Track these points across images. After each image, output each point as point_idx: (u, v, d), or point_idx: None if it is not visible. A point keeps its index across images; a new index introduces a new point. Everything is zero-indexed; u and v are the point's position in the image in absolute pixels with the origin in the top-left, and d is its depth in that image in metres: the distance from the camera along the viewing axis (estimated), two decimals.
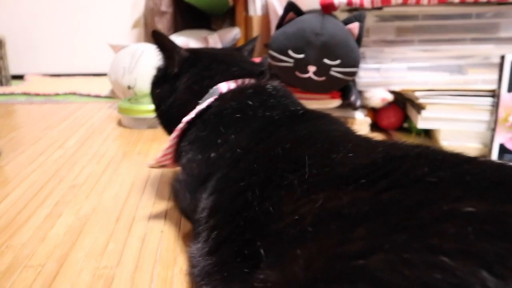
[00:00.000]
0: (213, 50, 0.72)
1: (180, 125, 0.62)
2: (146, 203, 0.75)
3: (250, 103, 0.58)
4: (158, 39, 0.67)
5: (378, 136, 1.12)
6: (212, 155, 0.56)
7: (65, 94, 1.73)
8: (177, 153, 0.65)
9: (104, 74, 1.44)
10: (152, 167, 0.69)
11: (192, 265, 0.50)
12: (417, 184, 0.34)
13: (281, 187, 0.42)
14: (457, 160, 0.40)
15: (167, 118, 0.71)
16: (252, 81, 0.65)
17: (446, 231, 0.28)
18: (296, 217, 0.37)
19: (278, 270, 0.34)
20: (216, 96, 0.61)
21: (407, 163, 0.38)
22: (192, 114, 0.61)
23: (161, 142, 1.06)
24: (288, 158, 0.47)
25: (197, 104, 0.63)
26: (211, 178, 0.54)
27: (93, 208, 0.74)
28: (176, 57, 0.67)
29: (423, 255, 0.27)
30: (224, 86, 0.63)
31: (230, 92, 0.61)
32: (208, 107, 0.61)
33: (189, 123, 0.62)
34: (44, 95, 1.71)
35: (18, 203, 0.76)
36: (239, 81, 0.64)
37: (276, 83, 0.64)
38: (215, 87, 0.63)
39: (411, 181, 0.35)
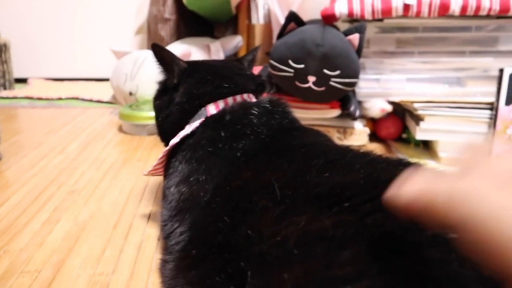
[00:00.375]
0: (212, 62, 0.73)
1: (167, 148, 0.64)
2: (144, 210, 0.76)
3: (223, 134, 0.59)
4: (158, 52, 0.68)
5: (377, 147, 1.12)
6: (184, 190, 0.57)
7: (68, 98, 1.74)
8: (165, 169, 0.67)
9: (107, 79, 1.45)
10: (148, 175, 0.70)
11: (164, 285, 0.52)
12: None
13: (255, 211, 0.43)
14: None
15: (162, 130, 0.74)
16: (243, 99, 0.65)
17: (432, 257, 0.29)
18: (278, 238, 0.38)
19: None
20: (203, 119, 0.63)
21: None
22: (177, 139, 0.63)
23: (160, 149, 1.06)
24: (257, 184, 0.47)
25: (187, 123, 0.65)
26: (184, 215, 0.55)
27: (91, 214, 0.74)
28: (175, 68, 0.68)
29: (410, 281, 0.28)
30: (212, 108, 0.64)
31: (211, 118, 0.62)
32: (193, 132, 0.62)
33: (179, 142, 0.63)
34: (47, 99, 1.72)
35: (18, 208, 0.77)
36: (229, 100, 0.65)
37: (269, 98, 0.65)
38: (203, 109, 0.64)
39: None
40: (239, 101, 0.65)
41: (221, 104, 0.64)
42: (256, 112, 0.61)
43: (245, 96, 0.66)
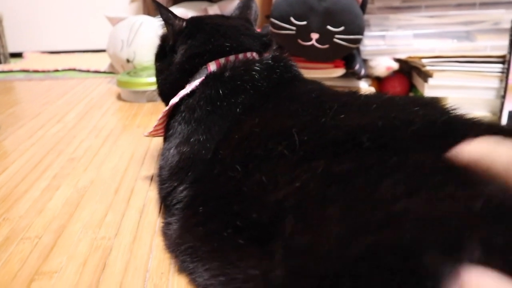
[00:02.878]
0: (217, 21, 0.68)
1: (167, 108, 0.62)
2: (145, 174, 0.74)
3: (221, 92, 0.56)
4: (157, 8, 0.64)
5: None
6: (185, 150, 0.55)
7: (64, 70, 1.70)
8: (166, 130, 0.64)
9: (103, 50, 1.41)
10: (149, 136, 0.67)
11: (170, 243, 0.51)
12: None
13: (270, 158, 0.40)
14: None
15: (162, 91, 0.71)
16: (246, 57, 0.62)
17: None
18: (297, 184, 0.35)
19: (308, 233, 0.31)
20: (203, 78, 0.60)
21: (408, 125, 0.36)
22: (176, 99, 0.60)
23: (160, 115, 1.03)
24: (269, 130, 0.45)
25: (187, 82, 0.62)
26: (186, 173, 0.53)
27: (91, 181, 0.72)
28: (169, 29, 0.65)
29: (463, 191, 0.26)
30: (213, 66, 0.61)
31: (211, 75, 0.60)
32: (192, 91, 0.59)
33: (178, 102, 0.61)
34: (43, 71, 1.68)
35: (16, 176, 0.75)
36: (231, 58, 0.61)
37: (272, 55, 0.62)
38: (204, 67, 0.61)
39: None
40: (242, 59, 0.61)
41: (222, 61, 0.61)
42: (258, 69, 0.58)
43: (249, 54, 0.63)
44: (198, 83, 0.59)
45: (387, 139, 0.35)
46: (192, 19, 0.68)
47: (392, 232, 0.26)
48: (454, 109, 0.42)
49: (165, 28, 0.67)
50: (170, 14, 0.65)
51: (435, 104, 0.43)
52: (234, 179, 0.43)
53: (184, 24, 0.66)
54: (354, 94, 0.50)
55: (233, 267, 0.38)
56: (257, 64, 0.59)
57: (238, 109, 0.54)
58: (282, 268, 0.31)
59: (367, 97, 0.46)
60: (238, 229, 0.39)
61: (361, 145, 0.35)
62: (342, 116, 0.40)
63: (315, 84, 0.59)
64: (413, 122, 0.36)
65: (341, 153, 0.35)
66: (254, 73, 0.58)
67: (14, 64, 1.83)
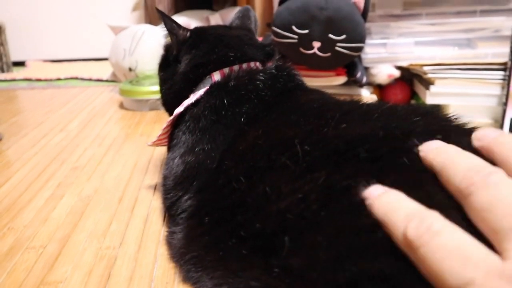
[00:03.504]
0: (221, 32, 0.69)
1: (171, 117, 0.62)
2: (149, 183, 0.74)
3: (225, 101, 0.57)
4: (161, 17, 0.65)
5: None
6: (190, 159, 0.55)
7: (67, 78, 1.71)
8: (169, 140, 0.65)
9: (106, 59, 1.42)
10: (152, 145, 0.68)
11: (175, 252, 0.51)
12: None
13: (273, 169, 0.41)
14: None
15: (166, 101, 0.71)
16: (249, 66, 0.62)
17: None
18: (300, 195, 0.35)
19: (301, 255, 0.33)
20: (207, 87, 0.60)
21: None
22: (180, 108, 0.61)
23: (163, 124, 1.03)
24: (272, 141, 0.45)
25: (191, 91, 0.62)
26: (190, 183, 0.53)
27: (95, 190, 0.72)
28: (174, 38, 0.65)
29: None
30: (217, 75, 0.61)
31: (216, 85, 0.60)
32: (197, 101, 0.60)
33: (183, 111, 0.61)
34: (46, 80, 1.69)
35: (20, 186, 0.75)
36: (235, 68, 0.62)
37: (275, 64, 0.62)
38: (208, 77, 0.62)
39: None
40: (245, 68, 0.62)
41: (226, 71, 0.61)
42: (262, 78, 0.59)
43: (252, 64, 0.63)
44: (202, 93, 0.60)
45: (385, 150, 0.35)
46: (196, 29, 0.69)
47: (377, 261, 0.27)
48: (456, 118, 0.42)
49: (169, 38, 0.67)
50: (174, 24, 0.65)
51: (436, 113, 0.44)
52: (239, 190, 0.43)
53: (188, 34, 0.66)
54: (356, 103, 0.50)
55: (235, 277, 0.39)
56: (261, 74, 0.59)
57: (242, 119, 0.54)
58: (280, 286, 0.33)
59: (369, 106, 0.46)
60: (242, 239, 0.39)
61: (359, 156, 0.35)
62: (344, 125, 0.40)
63: (318, 94, 0.59)
64: (413, 132, 0.36)
65: (341, 164, 0.35)
66: (258, 82, 0.58)
67: (17, 73, 1.84)
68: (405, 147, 0.34)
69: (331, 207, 0.32)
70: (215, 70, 0.62)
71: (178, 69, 0.66)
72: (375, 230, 0.28)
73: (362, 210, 0.30)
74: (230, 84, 0.59)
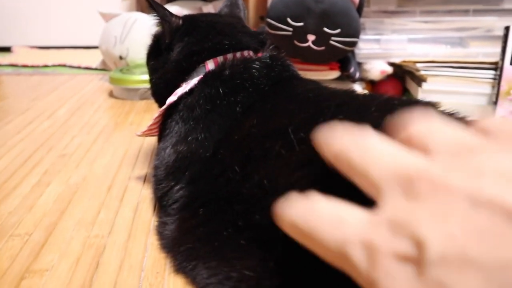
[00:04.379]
0: (214, 19, 0.67)
1: (163, 107, 0.60)
2: (139, 172, 0.73)
3: (221, 91, 0.56)
4: (151, 4, 0.63)
5: None
6: (182, 149, 0.54)
7: (54, 65, 1.67)
8: (161, 130, 0.63)
9: (95, 47, 1.39)
10: (142, 135, 0.66)
11: (167, 243, 0.50)
12: None
13: (269, 158, 0.40)
14: None
15: (156, 90, 0.69)
16: (243, 55, 0.61)
17: None
18: (298, 187, 0.35)
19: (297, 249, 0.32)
20: (201, 76, 0.59)
21: None
22: (174, 97, 0.59)
23: (153, 113, 1.01)
24: (267, 130, 0.45)
25: (184, 80, 0.61)
26: (183, 173, 0.52)
27: (83, 177, 0.71)
28: (166, 26, 0.64)
29: None
30: (211, 64, 0.60)
31: (210, 74, 0.59)
32: (191, 90, 0.58)
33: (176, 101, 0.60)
34: (33, 66, 1.65)
35: (5, 172, 0.73)
36: (229, 56, 0.60)
37: (269, 54, 0.61)
38: (201, 65, 0.60)
39: None
40: (240, 57, 0.61)
41: (220, 59, 0.60)
42: (257, 67, 0.58)
43: (246, 53, 0.62)
44: (196, 82, 0.58)
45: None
46: (187, 16, 0.67)
47: None
48: (452, 113, 0.42)
49: (159, 27, 0.66)
50: (166, 12, 0.64)
51: (432, 107, 0.43)
52: (234, 180, 0.42)
53: (181, 21, 0.65)
54: (351, 94, 0.49)
55: (230, 266, 0.38)
56: (256, 62, 0.58)
57: (238, 108, 0.53)
58: (273, 279, 0.33)
59: (366, 97, 0.46)
60: (240, 229, 0.38)
61: None
62: (340, 116, 0.40)
63: (313, 84, 0.58)
64: None
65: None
66: (253, 71, 0.57)
67: (2, 58, 1.79)
68: None
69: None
70: (209, 59, 0.60)
71: (170, 57, 0.64)
72: None
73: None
74: (225, 73, 0.57)
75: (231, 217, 0.40)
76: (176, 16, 0.65)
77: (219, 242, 0.41)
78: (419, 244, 0.20)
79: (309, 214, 0.25)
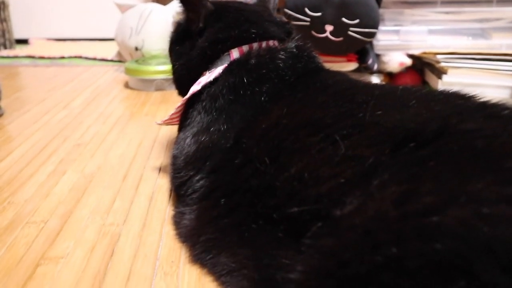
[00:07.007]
0: (242, 6, 0.66)
1: (187, 96, 0.59)
2: (154, 162, 0.72)
3: (245, 80, 0.54)
4: None
5: None
6: (204, 139, 0.53)
7: (71, 57, 1.68)
8: (182, 119, 0.62)
9: (111, 39, 1.39)
10: (162, 124, 0.66)
11: (185, 233, 0.50)
12: (476, 138, 0.32)
13: (306, 151, 0.39)
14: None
15: (178, 78, 0.68)
16: (268, 45, 0.60)
17: None
18: (342, 180, 0.34)
19: (335, 236, 0.31)
20: (226, 65, 0.57)
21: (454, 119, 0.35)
22: (198, 87, 0.58)
23: (169, 104, 1.02)
24: (300, 121, 0.44)
25: (206, 68, 0.60)
26: (203, 163, 0.52)
27: (98, 167, 0.71)
28: (202, 10, 0.61)
29: (502, 207, 0.25)
30: (236, 53, 0.58)
31: (236, 63, 0.57)
32: (215, 79, 0.57)
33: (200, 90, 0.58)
34: (49, 58, 1.66)
35: (21, 161, 0.73)
36: (254, 45, 0.59)
37: (295, 44, 0.59)
38: (226, 54, 0.59)
39: (470, 135, 0.32)
40: (265, 47, 0.59)
41: (245, 49, 0.59)
42: (283, 57, 0.56)
43: (271, 42, 0.60)
44: (221, 71, 0.57)
45: (432, 134, 0.33)
46: (215, 2, 0.64)
47: (419, 244, 0.26)
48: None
49: (185, 13, 0.64)
50: None
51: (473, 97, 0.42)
52: (263, 172, 0.41)
53: (213, 7, 0.62)
54: (386, 87, 0.48)
55: (267, 256, 0.38)
56: (281, 53, 0.57)
57: (262, 98, 0.52)
58: (304, 265, 0.32)
59: (403, 91, 0.45)
60: (275, 221, 0.38)
61: (407, 143, 0.34)
62: (380, 112, 0.39)
63: (342, 76, 0.57)
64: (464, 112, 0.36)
65: (385, 152, 0.34)
66: (279, 61, 0.56)
67: (20, 50, 1.81)
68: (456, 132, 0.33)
69: (372, 190, 0.31)
70: (234, 47, 0.58)
71: (198, 43, 0.62)
72: (429, 214, 0.27)
73: (412, 193, 0.29)
74: (251, 62, 0.56)
75: (261, 210, 0.39)
76: (208, 1, 0.63)
77: (249, 233, 0.40)
78: None
79: None
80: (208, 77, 0.57)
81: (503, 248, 0.23)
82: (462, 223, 0.25)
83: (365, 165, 0.34)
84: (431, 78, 1.05)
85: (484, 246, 0.23)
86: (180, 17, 0.67)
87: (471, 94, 0.42)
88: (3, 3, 1.83)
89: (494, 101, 0.40)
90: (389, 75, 1.12)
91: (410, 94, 0.43)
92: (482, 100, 0.40)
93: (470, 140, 0.31)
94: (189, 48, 0.63)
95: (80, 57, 1.68)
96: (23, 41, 2.05)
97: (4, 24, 1.85)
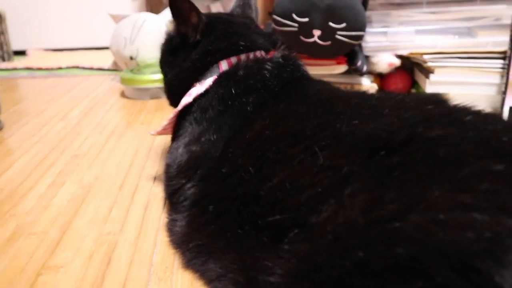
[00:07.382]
0: (230, 19, 0.68)
1: (178, 107, 0.62)
2: (149, 171, 0.75)
3: (233, 91, 0.57)
4: (176, 3, 0.61)
5: None
6: (195, 149, 0.55)
7: (68, 67, 1.71)
8: (175, 129, 0.65)
9: (107, 48, 1.42)
10: (156, 134, 0.68)
11: (176, 240, 0.52)
12: (439, 146, 0.34)
13: (287, 161, 0.42)
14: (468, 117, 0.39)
15: (170, 89, 0.70)
16: (256, 56, 0.62)
17: (477, 188, 0.28)
18: (319, 189, 0.37)
19: (310, 242, 0.34)
20: (215, 76, 0.60)
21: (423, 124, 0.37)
22: (189, 98, 0.60)
23: (164, 112, 1.04)
24: (281, 132, 0.46)
25: (197, 80, 0.62)
26: (194, 171, 0.54)
27: (96, 177, 0.73)
28: (200, 24, 0.63)
29: (456, 213, 0.27)
30: (224, 64, 0.61)
31: (225, 74, 0.59)
32: (206, 91, 0.59)
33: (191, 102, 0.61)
34: (47, 69, 1.69)
35: (21, 173, 0.76)
36: (242, 57, 0.61)
37: (281, 54, 0.62)
38: (215, 66, 0.61)
39: (433, 143, 0.34)
40: (253, 58, 0.62)
41: (234, 60, 0.61)
42: (269, 67, 0.59)
43: (258, 53, 0.63)
44: (211, 83, 0.59)
45: (403, 141, 0.35)
46: (207, 15, 0.66)
47: (383, 248, 0.28)
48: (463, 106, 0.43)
49: (176, 24, 0.65)
50: (196, 8, 0.63)
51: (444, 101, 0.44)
52: (248, 181, 0.44)
53: (207, 19, 0.64)
54: (363, 95, 0.50)
55: (252, 258, 0.40)
56: (268, 63, 0.59)
57: (249, 108, 0.55)
58: (283, 268, 0.34)
59: (378, 99, 0.47)
60: (260, 227, 0.40)
61: (379, 151, 0.36)
62: (356, 122, 0.41)
63: (324, 85, 0.59)
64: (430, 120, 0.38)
65: (358, 161, 0.36)
66: (265, 71, 0.58)
67: (18, 62, 1.84)
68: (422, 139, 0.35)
69: (347, 199, 0.33)
70: (222, 59, 0.61)
71: (191, 55, 0.64)
72: (391, 220, 0.29)
73: (378, 200, 0.31)
74: (239, 73, 0.58)
75: (247, 216, 0.42)
76: (202, 13, 0.64)
77: (234, 239, 0.42)
78: None
79: None
80: (198, 89, 0.60)
81: (456, 251, 0.25)
82: (420, 229, 0.27)
83: (340, 174, 0.36)
84: (420, 77, 1.07)
85: (439, 250, 0.26)
86: (171, 27, 0.69)
87: (443, 99, 0.45)
88: (0, 16, 1.86)
89: (461, 105, 0.42)
90: (380, 76, 1.14)
91: (385, 102, 0.45)
92: (450, 105, 0.43)
93: (433, 148, 0.33)
94: (182, 60, 0.65)
95: (77, 67, 1.71)
96: (21, 52, 2.08)
97: (2, 37, 1.88)
